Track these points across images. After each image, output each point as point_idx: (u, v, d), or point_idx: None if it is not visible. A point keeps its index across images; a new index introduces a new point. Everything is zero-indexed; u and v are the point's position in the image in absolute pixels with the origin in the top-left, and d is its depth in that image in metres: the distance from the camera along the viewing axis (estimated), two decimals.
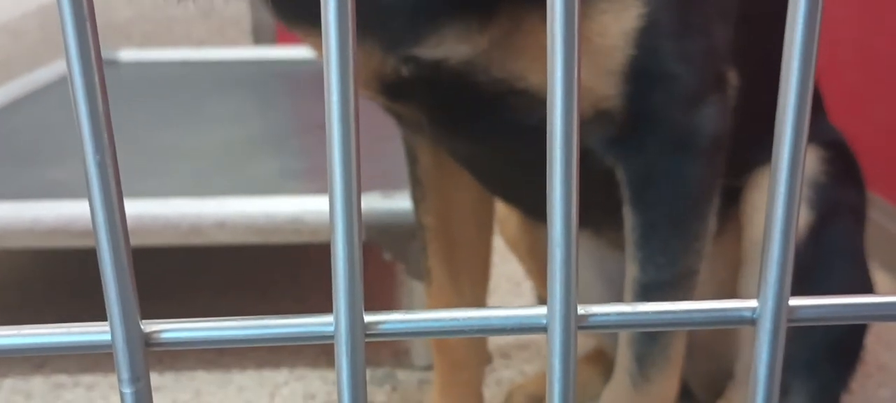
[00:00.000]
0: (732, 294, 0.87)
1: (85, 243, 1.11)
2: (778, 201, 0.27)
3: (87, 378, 1.17)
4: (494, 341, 1.22)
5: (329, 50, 0.25)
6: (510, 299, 1.38)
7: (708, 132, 0.69)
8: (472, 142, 0.78)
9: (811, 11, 0.25)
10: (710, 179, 0.72)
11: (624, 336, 0.76)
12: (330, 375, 1.17)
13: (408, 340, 1.19)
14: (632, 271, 0.73)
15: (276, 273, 1.46)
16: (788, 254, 0.27)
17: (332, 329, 0.27)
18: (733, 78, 0.71)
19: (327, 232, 0.26)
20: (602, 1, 0.63)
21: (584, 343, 1.14)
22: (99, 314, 0.27)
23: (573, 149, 0.26)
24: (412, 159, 0.87)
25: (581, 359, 1.13)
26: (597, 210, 0.77)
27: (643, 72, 0.65)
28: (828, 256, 0.84)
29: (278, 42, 2.37)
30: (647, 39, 0.64)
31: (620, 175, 0.71)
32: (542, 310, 0.28)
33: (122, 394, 0.27)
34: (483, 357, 0.97)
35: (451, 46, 0.63)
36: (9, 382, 1.16)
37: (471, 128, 0.73)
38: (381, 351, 1.22)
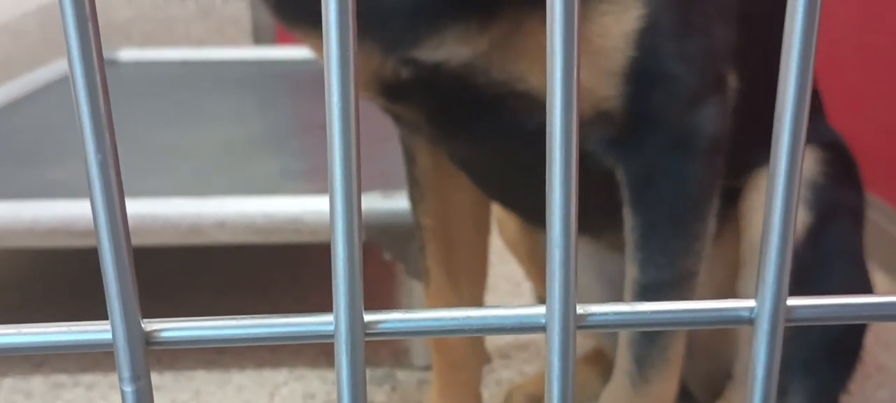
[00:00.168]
0: (731, 295, 0.87)
1: (85, 243, 1.12)
2: (776, 201, 0.27)
3: (86, 378, 1.17)
4: (493, 341, 1.22)
5: (329, 50, 0.25)
6: (509, 299, 1.38)
7: (708, 133, 0.69)
8: (471, 145, 0.78)
9: (809, 12, 0.25)
10: (710, 180, 0.72)
11: (623, 337, 0.76)
12: (329, 375, 1.17)
13: (407, 340, 1.19)
14: (631, 272, 0.73)
15: (276, 273, 1.46)
16: (786, 254, 0.27)
17: (331, 328, 0.27)
18: (733, 79, 0.71)
19: (327, 232, 0.27)
20: (603, 2, 0.63)
21: (584, 343, 1.14)
22: (99, 313, 0.27)
23: (572, 148, 0.26)
24: (410, 160, 0.87)
25: (580, 360, 1.13)
26: (596, 212, 0.77)
27: (643, 73, 0.66)
28: (827, 257, 0.84)
29: (278, 42, 2.37)
30: (647, 40, 0.65)
31: (620, 176, 0.71)
32: (541, 310, 0.28)
33: (122, 393, 0.27)
34: (482, 357, 0.97)
35: (450, 48, 0.63)
36: (8, 381, 1.16)
37: (470, 131, 0.73)
38: (381, 351, 1.22)
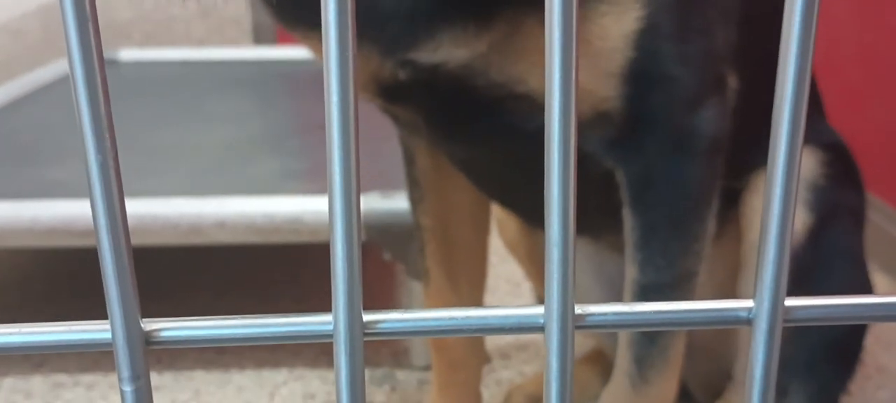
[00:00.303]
0: (731, 296, 0.87)
1: (85, 242, 1.12)
2: (774, 201, 0.27)
3: (86, 378, 1.17)
4: (493, 341, 1.22)
5: (329, 51, 0.25)
6: (509, 300, 1.38)
7: (707, 134, 0.69)
8: (470, 146, 0.78)
9: (807, 12, 0.25)
10: (710, 181, 0.72)
11: (623, 338, 0.76)
12: (329, 375, 1.17)
13: (407, 340, 1.19)
14: (631, 273, 0.73)
15: (275, 273, 1.46)
16: (784, 254, 0.27)
17: (331, 328, 0.27)
18: (733, 80, 0.71)
19: (327, 232, 0.27)
20: (602, 3, 0.63)
21: (583, 343, 1.14)
22: (98, 313, 0.27)
23: (571, 147, 0.26)
24: (409, 160, 0.87)
25: (580, 360, 1.13)
26: (595, 213, 0.77)
27: (643, 75, 0.66)
28: (827, 259, 0.84)
29: (278, 42, 2.37)
30: (646, 41, 0.65)
31: (620, 177, 0.71)
32: (540, 310, 0.28)
33: (122, 392, 0.27)
34: (481, 358, 0.97)
35: (448, 50, 0.63)
36: (8, 381, 1.16)
37: (468, 132, 0.73)
38: (381, 351, 1.22)
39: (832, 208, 0.84)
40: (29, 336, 0.28)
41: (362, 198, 0.26)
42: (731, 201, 0.84)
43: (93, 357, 1.21)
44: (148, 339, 0.27)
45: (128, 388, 0.27)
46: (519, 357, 1.22)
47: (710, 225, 0.73)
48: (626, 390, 0.76)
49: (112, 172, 0.25)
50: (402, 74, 0.66)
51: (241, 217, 1.11)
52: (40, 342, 0.27)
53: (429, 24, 0.62)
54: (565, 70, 0.25)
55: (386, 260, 1.12)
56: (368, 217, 1.09)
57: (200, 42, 2.46)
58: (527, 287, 1.30)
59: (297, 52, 1.91)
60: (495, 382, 1.17)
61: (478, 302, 0.94)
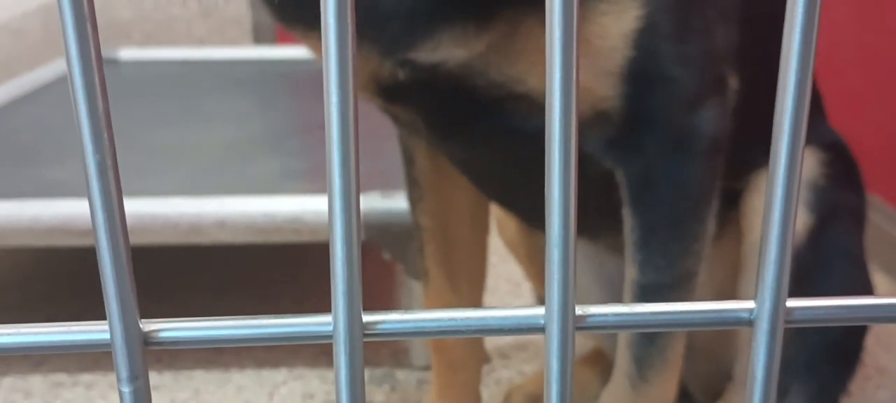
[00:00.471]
0: (731, 297, 0.87)
1: (84, 242, 1.11)
2: (775, 202, 0.27)
3: (86, 377, 1.17)
4: (493, 341, 1.22)
5: (328, 51, 0.25)
6: (509, 300, 1.38)
7: (707, 134, 0.69)
8: (469, 146, 0.78)
9: (809, 13, 0.25)
10: (709, 181, 0.72)
11: (623, 338, 0.76)
12: (328, 374, 1.17)
13: (407, 340, 1.19)
14: (631, 273, 0.73)
15: (275, 273, 1.46)
16: (786, 255, 0.27)
17: (330, 328, 0.27)
18: (733, 81, 0.71)
19: (327, 232, 0.27)
20: (602, 3, 0.63)
21: (583, 344, 1.14)
22: (98, 313, 0.27)
23: (571, 148, 0.26)
24: (409, 160, 0.87)
25: (580, 360, 1.13)
26: (595, 214, 0.77)
27: (642, 74, 0.66)
28: (827, 259, 0.84)
29: (278, 42, 2.37)
30: (645, 41, 0.65)
31: (619, 177, 0.71)
32: (540, 311, 0.28)
33: (120, 393, 0.27)
34: (481, 358, 0.97)
35: (447, 50, 0.63)
36: (8, 380, 1.16)
37: (468, 132, 0.73)
38: (380, 351, 1.22)
39: (832, 208, 0.84)
40: (28, 337, 0.27)
41: (362, 198, 0.26)
42: (732, 201, 0.84)
43: (92, 357, 1.20)
44: (146, 340, 0.27)
45: (126, 389, 0.27)
46: (518, 357, 1.22)
47: (711, 225, 0.73)
48: (626, 390, 0.76)
49: (110, 172, 0.25)
50: (402, 74, 0.66)
51: (241, 217, 1.11)
52: (39, 342, 0.27)
53: (428, 24, 0.62)
54: (566, 71, 0.25)
55: (386, 260, 1.12)
56: (368, 216, 1.09)
57: (201, 42, 2.46)
58: (527, 287, 1.30)
59: (297, 51, 1.91)
60: (495, 382, 1.17)
61: (477, 302, 0.94)
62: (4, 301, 1.39)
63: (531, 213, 0.88)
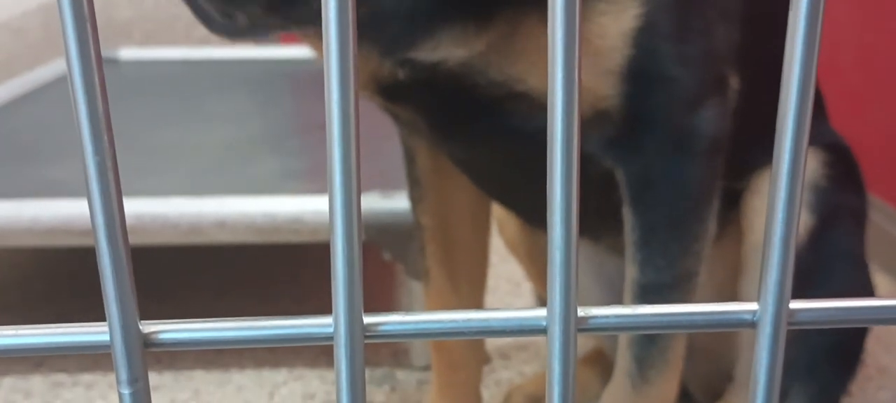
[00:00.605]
0: (731, 297, 0.87)
1: (84, 242, 1.11)
2: (778, 204, 0.27)
3: (86, 377, 1.16)
4: (493, 341, 1.22)
5: (329, 50, 0.25)
6: (509, 299, 1.38)
7: (707, 134, 0.69)
8: (469, 146, 0.78)
9: (812, 14, 0.25)
10: (710, 181, 0.72)
11: (623, 339, 0.76)
12: (329, 375, 1.16)
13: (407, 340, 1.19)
14: (631, 272, 0.73)
15: (276, 273, 1.46)
16: (789, 257, 0.27)
17: (331, 330, 0.27)
18: (734, 80, 0.71)
19: (327, 232, 0.26)
20: (601, 2, 0.63)
21: (584, 344, 1.14)
22: (99, 313, 0.27)
23: (573, 150, 0.26)
24: (410, 159, 0.87)
25: (580, 361, 1.13)
26: (595, 215, 0.77)
27: (641, 73, 0.66)
28: (828, 260, 0.84)
29: (279, 42, 2.37)
30: (645, 40, 0.65)
31: (620, 176, 0.71)
32: (542, 312, 0.28)
33: (120, 395, 0.27)
34: (481, 358, 0.97)
35: (447, 50, 0.63)
36: (8, 380, 1.16)
37: (468, 132, 0.73)
38: (381, 351, 1.22)
39: (834, 209, 0.84)
40: (27, 339, 0.27)
41: (362, 198, 0.25)
42: (732, 202, 0.84)
43: (92, 357, 1.20)
44: (146, 342, 0.27)
45: (126, 391, 0.26)
46: (519, 358, 1.22)
47: (711, 225, 0.73)
48: (627, 390, 0.76)
49: (110, 173, 0.25)
50: (402, 73, 0.66)
51: (241, 217, 1.11)
52: (38, 344, 0.27)
53: (428, 24, 0.62)
54: (568, 73, 0.25)
55: (386, 261, 1.12)
56: (368, 217, 1.09)
57: (201, 41, 2.46)
58: (527, 287, 1.30)
59: (297, 51, 1.91)
60: (495, 382, 1.17)
61: (478, 302, 0.94)
62: (4, 301, 1.39)
63: (532, 212, 0.88)
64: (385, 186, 1.12)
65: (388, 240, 1.10)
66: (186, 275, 1.45)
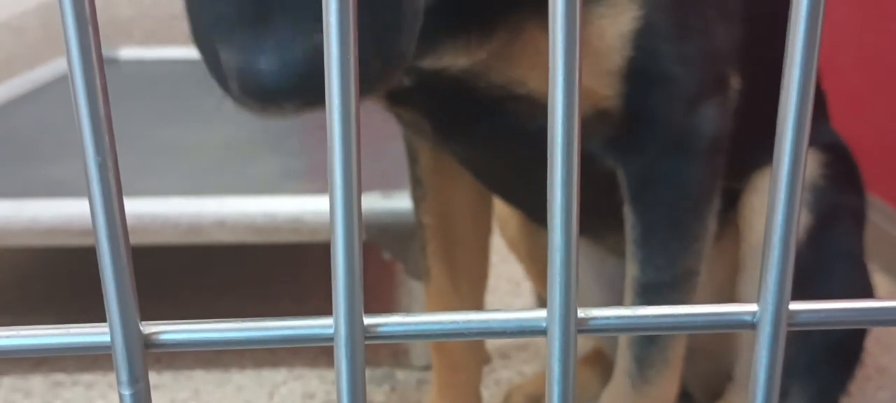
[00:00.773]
0: (731, 296, 0.87)
1: (85, 242, 1.11)
2: (778, 205, 0.27)
3: (85, 377, 1.16)
4: (493, 341, 1.22)
5: (330, 49, 0.25)
6: (509, 299, 1.38)
7: (707, 133, 0.69)
8: (472, 146, 0.78)
9: (813, 14, 0.25)
10: (710, 181, 0.72)
11: (623, 338, 0.76)
12: (329, 374, 1.16)
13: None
14: (632, 271, 0.73)
15: (276, 273, 1.46)
16: (789, 258, 0.27)
17: (331, 331, 0.27)
18: (735, 80, 0.71)
19: (327, 232, 0.26)
20: (599, 6, 0.63)
21: (584, 344, 1.14)
22: (99, 313, 0.27)
23: (574, 153, 0.26)
24: (413, 159, 0.87)
25: (580, 360, 1.13)
26: (596, 215, 0.77)
27: (641, 73, 0.66)
28: (826, 260, 0.84)
29: None
30: (644, 41, 0.65)
31: (620, 175, 0.71)
32: (542, 314, 0.28)
33: (120, 396, 0.27)
34: (481, 358, 0.97)
35: (451, 60, 0.64)
36: (8, 380, 1.16)
37: (471, 132, 0.73)
38: (381, 351, 1.22)
39: (832, 209, 0.84)
40: (27, 339, 0.27)
41: (363, 198, 0.26)
42: (731, 201, 0.84)
43: (92, 357, 1.20)
44: (147, 342, 0.27)
45: (126, 392, 0.26)
46: (519, 358, 1.22)
47: (712, 224, 0.73)
48: (627, 390, 0.76)
49: (111, 174, 0.25)
50: (406, 80, 0.66)
51: (241, 216, 1.11)
52: (38, 345, 0.27)
53: (433, 36, 0.62)
54: (568, 78, 0.25)
55: (386, 260, 1.12)
56: (369, 216, 1.09)
57: None
58: (527, 286, 1.30)
59: None
60: (495, 382, 1.17)
61: (479, 301, 0.94)
62: (4, 300, 1.39)
63: (534, 209, 0.88)
64: (386, 186, 1.12)
65: (388, 240, 1.10)
66: (186, 275, 1.44)
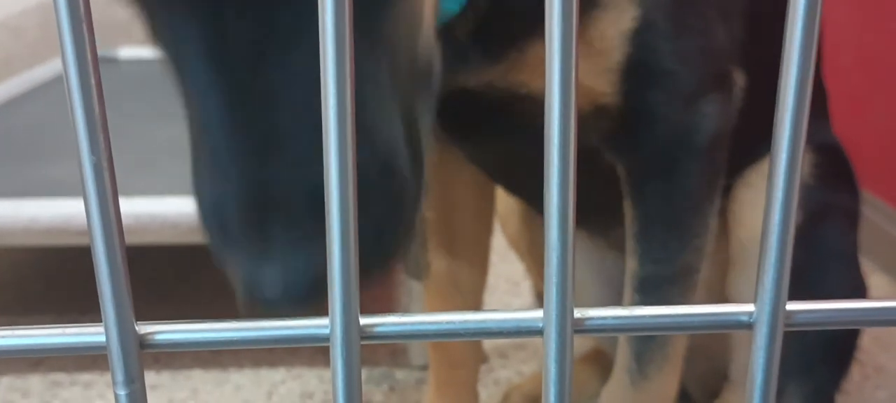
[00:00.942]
0: (720, 292, 0.87)
1: (83, 241, 1.11)
2: (775, 205, 0.27)
3: (84, 377, 1.16)
4: (492, 341, 1.22)
5: (327, 49, 0.25)
6: (509, 299, 1.38)
7: (707, 130, 0.69)
8: (476, 144, 0.78)
9: (810, 13, 0.25)
10: (710, 177, 0.72)
11: (622, 336, 0.76)
12: (327, 374, 1.16)
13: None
14: (631, 265, 0.73)
15: None
16: (786, 259, 0.27)
17: (327, 332, 0.27)
18: (740, 78, 0.71)
19: None
20: (597, 8, 0.63)
21: (583, 342, 1.14)
22: (97, 313, 0.27)
23: (570, 155, 0.26)
24: None
25: (579, 359, 1.13)
26: (594, 211, 0.77)
27: (639, 71, 0.66)
28: (815, 257, 0.83)
29: None
30: (642, 39, 0.65)
31: (620, 170, 0.72)
32: (539, 314, 0.28)
33: (116, 396, 0.27)
34: (479, 357, 0.97)
35: (463, 81, 0.64)
36: (6, 380, 1.16)
37: (474, 132, 0.74)
38: (379, 351, 1.22)
39: (821, 207, 0.84)
40: (24, 339, 0.27)
41: None
42: (722, 197, 0.84)
43: (90, 357, 1.20)
44: (142, 343, 0.27)
45: (122, 392, 0.26)
46: (517, 357, 1.22)
47: (712, 221, 0.73)
48: (627, 387, 0.76)
49: (106, 175, 0.25)
50: None
51: None
52: (35, 345, 0.27)
53: (451, 67, 0.63)
54: (565, 73, 0.25)
55: None
56: None
57: None
58: (526, 286, 1.30)
59: None
60: (493, 382, 1.17)
61: (478, 297, 0.94)
62: (3, 300, 1.39)
63: (538, 200, 0.88)
64: None
65: None
66: (185, 275, 1.44)
